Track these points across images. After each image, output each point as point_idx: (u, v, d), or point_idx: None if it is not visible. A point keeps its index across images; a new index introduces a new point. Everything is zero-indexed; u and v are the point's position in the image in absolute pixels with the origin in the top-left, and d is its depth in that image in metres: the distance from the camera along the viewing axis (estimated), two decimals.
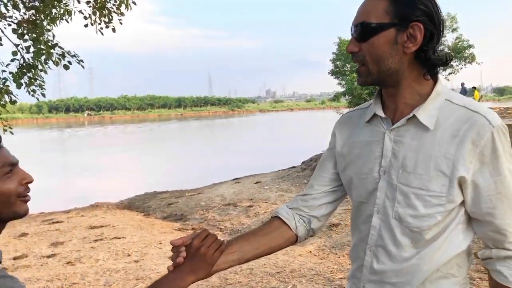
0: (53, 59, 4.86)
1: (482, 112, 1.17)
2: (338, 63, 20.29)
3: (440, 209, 1.18)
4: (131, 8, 5.58)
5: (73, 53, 5.06)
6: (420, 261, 1.22)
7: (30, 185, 1.38)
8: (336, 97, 22.38)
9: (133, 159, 24.18)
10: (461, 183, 1.17)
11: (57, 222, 8.72)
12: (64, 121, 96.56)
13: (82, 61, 5.13)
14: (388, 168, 1.25)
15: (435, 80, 1.24)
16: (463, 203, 1.20)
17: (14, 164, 1.34)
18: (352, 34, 1.25)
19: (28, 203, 1.37)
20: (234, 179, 13.53)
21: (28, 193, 1.36)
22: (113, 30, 5.62)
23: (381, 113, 1.29)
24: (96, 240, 6.87)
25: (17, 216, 1.33)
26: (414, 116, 1.21)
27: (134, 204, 11.05)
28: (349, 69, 19.24)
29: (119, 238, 6.94)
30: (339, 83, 20.50)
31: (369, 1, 1.22)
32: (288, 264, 5.23)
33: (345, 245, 5.99)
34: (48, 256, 6.10)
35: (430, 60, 1.20)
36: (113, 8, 5.56)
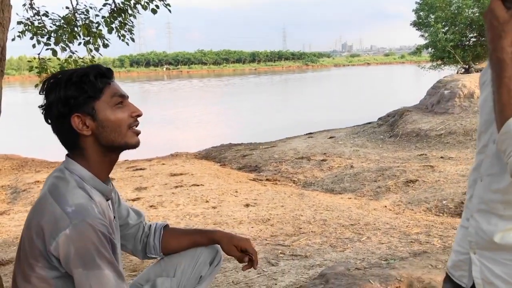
0: (142, 3, 5.01)
1: None
2: (421, 13, 19.10)
3: None
4: None
5: None
6: None
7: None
8: (417, 50, 21.26)
9: (210, 112, 24.81)
10: None
11: (140, 169, 9.25)
12: (144, 75, 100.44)
13: (169, 5, 5.20)
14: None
15: None
16: None
17: (124, 96, 1.44)
18: None
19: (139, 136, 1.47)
20: (307, 133, 13.50)
21: (137, 125, 1.45)
22: None
23: None
24: (176, 187, 7.23)
25: (129, 146, 1.45)
26: None
27: (211, 155, 11.44)
28: (433, 19, 18.09)
29: (198, 185, 7.26)
30: (422, 35, 19.37)
31: None
32: (363, 217, 5.22)
33: (422, 202, 5.85)
34: (133, 200, 6.54)
35: None
36: None
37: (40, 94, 1.40)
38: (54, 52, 4.87)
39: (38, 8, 5.08)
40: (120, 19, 5.08)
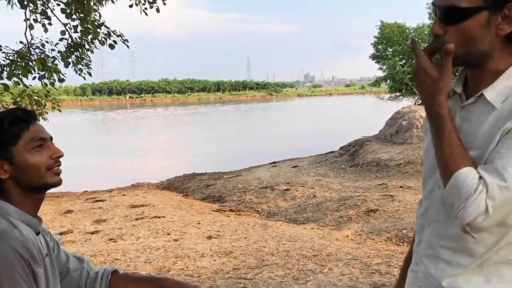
0: (100, 38, 5.00)
1: None
2: (379, 47, 19.85)
3: None
4: None
5: (118, 33, 5.18)
6: (477, 241, 1.16)
7: (62, 159, 1.47)
8: (376, 82, 21.97)
9: (174, 141, 24.62)
10: None
11: (100, 200, 9.02)
12: (107, 103, 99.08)
13: (127, 40, 5.24)
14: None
15: None
16: None
17: (44, 139, 1.45)
18: (436, 15, 1.20)
19: (61, 175, 1.47)
20: (271, 162, 13.57)
21: (58, 166, 1.45)
22: (157, 10, 5.69)
23: (458, 89, 1.27)
24: (137, 219, 7.08)
25: (48, 186, 1.45)
26: (482, 94, 1.17)
27: (173, 185, 11.29)
28: (390, 53, 18.82)
29: (159, 217, 7.12)
30: (380, 68, 20.08)
31: None
32: (325, 247, 5.24)
33: (382, 231, 5.94)
34: (92, 233, 6.34)
35: None
36: None
37: None
38: (6, 87, 4.78)
39: None
40: (77, 54, 5.05)
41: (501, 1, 1.11)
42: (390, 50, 19.09)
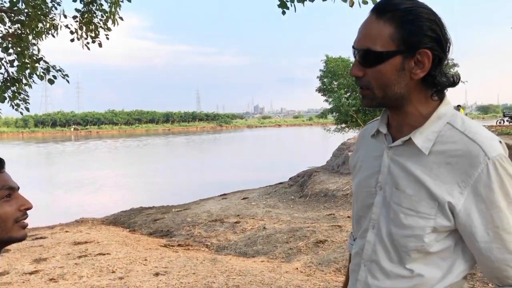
0: (38, 73, 4.86)
1: (478, 141, 1.13)
2: (325, 80, 20.51)
3: (427, 231, 1.16)
4: (117, 24, 5.58)
5: (58, 68, 5.06)
6: (413, 283, 1.20)
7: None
8: (323, 114, 22.57)
9: (119, 174, 23.96)
10: (452, 210, 1.15)
11: (41, 238, 8.56)
12: (50, 135, 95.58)
13: (67, 75, 5.12)
14: (383, 184, 1.26)
15: (441, 100, 1.23)
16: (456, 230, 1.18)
17: (13, 189, 1.35)
18: (355, 57, 1.23)
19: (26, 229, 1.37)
20: (221, 195, 13.48)
21: (25, 219, 1.35)
22: (100, 45, 5.62)
23: (383, 129, 1.30)
24: (80, 257, 6.75)
25: (13, 240, 1.34)
26: (410, 138, 1.20)
27: (119, 220, 10.92)
28: (336, 86, 19.48)
29: (104, 254, 6.83)
30: (326, 100, 20.69)
31: (372, 25, 1.18)
32: (275, 281, 5.19)
33: (331, 262, 5.97)
34: (31, 273, 5.98)
35: (440, 83, 1.19)
36: (100, 23, 5.56)
37: None
38: None
39: None
40: (13, 88, 4.87)
41: (413, 46, 1.15)
42: (336, 83, 19.76)
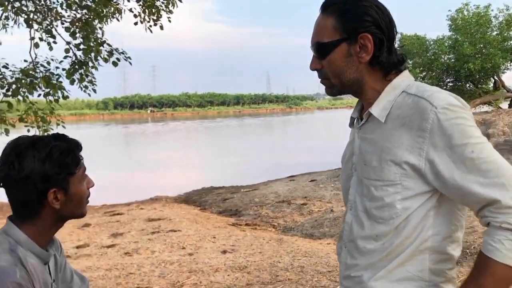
0: (102, 56, 5.09)
1: (425, 96, 1.18)
2: None
3: (397, 197, 1.19)
4: (177, 6, 5.71)
5: (121, 50, 5.26)
6: (385, 254, 1.23)
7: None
8: None
9: (193, 154, 24.75)
10: (417, 170, 1.17)
11: (118, 214, 9.09)
12: (128, 117, 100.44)
13: (130, 58, 5.31)
14: (356, 164, 1.32)
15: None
16: (432, 192, 1.19)
17: (85, 169, 1.49)
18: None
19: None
20: (289, 176, 13.50)
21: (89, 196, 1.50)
22: (161, 27, 5.78)
23: (354, 114, 1.38)
24: (153, 232, 7.10)
25: (82, 215, 1.49)
26: (369, 112, 1.28)
27: (191, 198, 11.32)
28: (411, 65, 18.65)
29: (175, 231, 7.13)
30: None
31: (319, 21, 1.29)
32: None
33: None
34: (108, 246, 6.38)
35: (385, 63, 1.26)
36: (162, 6, 5.72)
37: (5, 164, 1.35)
38: (10, 105, 4.87)
39: None
40: (81, 71, 5.13)
41: (354, 32, 1.24)
42: (410, 62, 18.91)
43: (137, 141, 37.43)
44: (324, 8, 1.29)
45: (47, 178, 1.35)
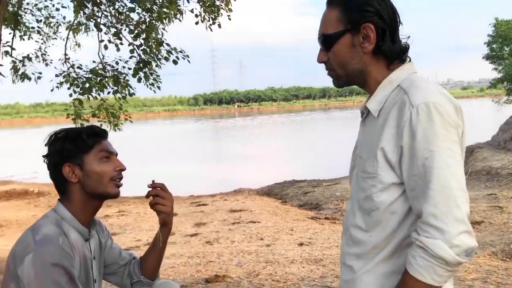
0: (162, 55, 5.44)
1: (408, 92, 1.19)
2: (494, 46, 18.34)
3: (373, 190, 1.22)
4: (231, 4, 5.93)
5: (179, 49, 5.58)
6: (373, 246, 1.26)
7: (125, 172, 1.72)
8: (492, 85, 20.31)
9: (278, 147, 25.04)
10: (390, 164, 1.19)
11: (203, 204, 9.51)
12: (217, 112, 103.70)
13: (188, 56, 5.62)
14: (356, 156, 1.37)
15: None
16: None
17: (111, 153, 1.69)
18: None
19: (121, 188, 1.71)
20: None
21: (120, 179, 1.69)
22: (219, 26, 6.01)
23: (361, 108, 1.40)
24: (234, 223, 7.36)
25: (109, 195, 1.67)
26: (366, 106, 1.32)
27: (273, 191, 11.51)
28: (507, 52, 17.32)
29: (255, 222, 7.33)
30: (495, 69, 18.53)
31: (325, 14, 1.35)
32: None
33: (486, 245, 5.51)
34: (191, 235, 6.73)
35: (389, 52, 1.29)
36: (221, 5, 5.95)
37: (45, 146, 1.67)
38: (80, 102, 5.39)
39: (73, 61, 5.75)
40: (145, 70, 5.50)
41: (356, 23, 1.27)
42: (507, 49, 17.56)
43: (227, 135, 38.61)
44: (329, 2, 1.34)
45: (61, 153, 1.61)
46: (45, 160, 1.66)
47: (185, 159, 21.09)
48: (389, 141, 1.20)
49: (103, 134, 1.70)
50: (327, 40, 1.33)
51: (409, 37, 1.33)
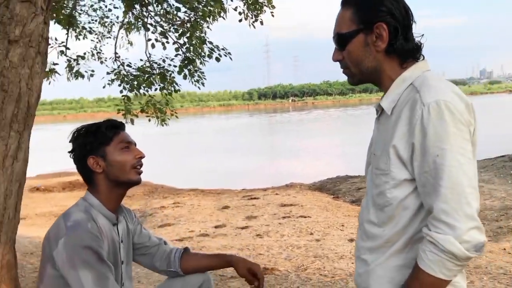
0: (205, 53, 5.60)
1: (420, 90, 1.21)
2: None
3: (386, 186, 1.26)
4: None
5: (221, 47, 5.73)
6: (385, 240, 1.30)
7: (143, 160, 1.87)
8: None
9: (332, 142, 24.80)
10: (401, 160, 1.22)
11: (255, 198, 9.62)
12: (271, 107, 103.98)
13: (229, 53, 5.78)
14: (371, 153, 1.41)
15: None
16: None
17: (130, 143, 1.83)
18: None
19: (142, 175, 1.86)
20: None
21: (140, 166, 1.83)
22: (261, 23, 6.09)
23: (376, 106, 1.43)
24: (284, 217, 7.40)
25: (131, 182, 1.82)
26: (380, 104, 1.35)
27: (325, 186, 11.43)
28: None
29: (305, 217, 7.34)
30: None
31: (339, 15, 1.39)
32: (475, 259, 4.82)
33: None
34: (242, 228, 6.84)
35: (402, 50, 1.31)
36: (264, 2, 6.03)
37: (69, 142, 1.84)
38: (128, 98, 5.68)
39: (123, 60, 6.03)
40: (190, 67, 5.68)
41: (369, 22, 1.31)
42: None
43: (282, 129, 38.69)
44: (343, 2, 1.39)
45: (85, 147, 1.77)
46: (71, 155, 1.83)
47: (240, 153, 21.37)
48: (401, 139, 1.22)
49: (121, 126, 1.85)
50: (341, 39, 1.37)
51: (422, 35, 1.35)
